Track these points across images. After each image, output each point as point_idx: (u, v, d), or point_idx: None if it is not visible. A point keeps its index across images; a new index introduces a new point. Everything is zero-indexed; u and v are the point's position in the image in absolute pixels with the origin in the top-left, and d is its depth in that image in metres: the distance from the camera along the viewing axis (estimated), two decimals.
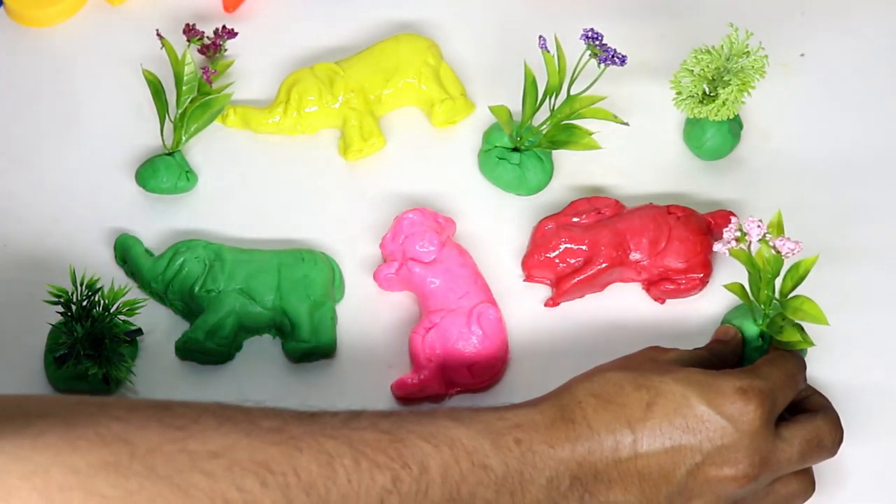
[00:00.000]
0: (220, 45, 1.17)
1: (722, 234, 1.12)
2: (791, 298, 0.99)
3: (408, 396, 1.07)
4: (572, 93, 1.12)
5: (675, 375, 0.94)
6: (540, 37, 1.10)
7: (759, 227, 0.97)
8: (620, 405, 0.92)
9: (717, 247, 0.99)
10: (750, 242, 0.98)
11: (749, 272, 1.00)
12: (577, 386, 0.95)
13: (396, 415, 0.91)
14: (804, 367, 0.99)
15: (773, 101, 1.21)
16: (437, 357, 1.06)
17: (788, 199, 1.16)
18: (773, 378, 0.95)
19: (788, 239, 0.97)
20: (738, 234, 0.98)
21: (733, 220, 0.99)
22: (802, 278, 0.99)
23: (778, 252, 0.97)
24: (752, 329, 1.03)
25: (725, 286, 1.01)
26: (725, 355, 1.02)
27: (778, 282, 1.00)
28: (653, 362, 0.97)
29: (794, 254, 0.97)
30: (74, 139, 1.19)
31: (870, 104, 1.22)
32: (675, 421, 0.92)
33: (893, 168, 1.19)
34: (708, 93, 1.14)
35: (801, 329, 1.00)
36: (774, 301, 1.00)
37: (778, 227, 0.99)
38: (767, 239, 0.97)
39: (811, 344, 0.99)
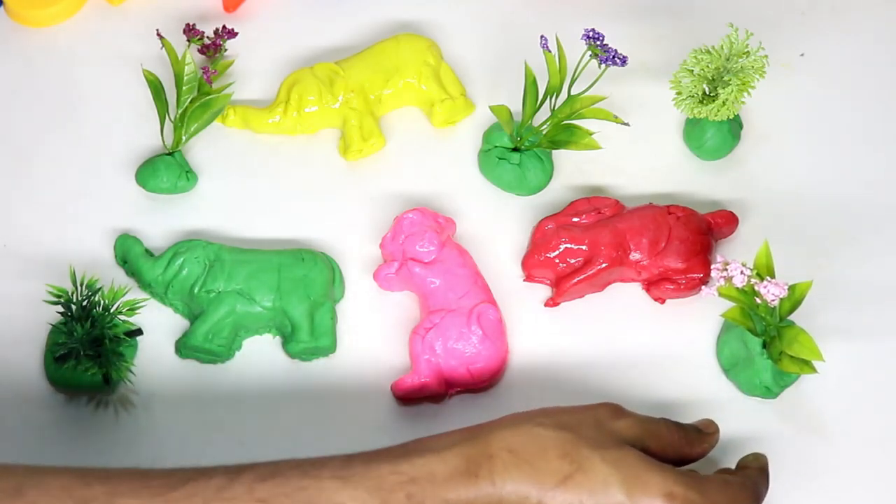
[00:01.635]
0: (220, 45, 1.17)
1: (723, 234, 1.13)
2: (787, 328, 0.99)
3: (408, 396, 1.07)
4: (572, 93, 1.12)
5: (606, 454, 0.87)
6: (542, 36, 1.10)
7: (742, 272, 0.96)
8: (536, 469, 0.86)
9: (705, 291, 0.99)
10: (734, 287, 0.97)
11: (733, 314, 1.01)
12: (496, 434, 0.88)
13: (280, 476, 0.86)
14: (759, 502, 0.93)
15: (773, 101, 1.21)
16: (437, 357, 1.06)
17: (788, 198, 1.16)
18: (713, 499, 0.87)
19: (774, 283, 0.96)
20: (726, 273, 0.97)
21: (719, 259, 0.99)
22: (799, 303, 0.99)
23: (763, 299, 0.96)
24: (755, 341, 1.04)
25: (724, 315, 1.00)
26: (688, 440, 0.95)
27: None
28: (596, 427, 0.90)
29: (778, 299, 0.96)
30: (74, 139, 1.19)
31: (870, 104, 1.22)
32: (585, 502, 0.86)
33: (893, 168, 1.19)
34: (708, 93, 1.14)
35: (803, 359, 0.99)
36: (772, 327, 1.00)
37: (766, 267, 0.99)
38: (753, 284, 0.97)
39: (813, 371, 0.98)
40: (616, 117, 1.12)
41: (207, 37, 1.16)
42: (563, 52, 1.11)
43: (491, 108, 1.14)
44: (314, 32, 1.25)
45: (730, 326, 1.08)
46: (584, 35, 1.09)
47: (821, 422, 1.07)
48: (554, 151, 1.17)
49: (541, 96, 1.13)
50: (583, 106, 1.11)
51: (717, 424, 0.98)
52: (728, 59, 1.12)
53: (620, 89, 1.16)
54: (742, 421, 1.07)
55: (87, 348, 1.02)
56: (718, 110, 1.13)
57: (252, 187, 1.17)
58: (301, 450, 1.04)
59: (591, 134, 1.12)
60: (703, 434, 0.97)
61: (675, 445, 0.93)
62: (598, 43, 1.09)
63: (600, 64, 1.09)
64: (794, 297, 0.98)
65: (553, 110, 1.13)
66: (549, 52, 1.11)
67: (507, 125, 1.14)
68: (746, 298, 0.98)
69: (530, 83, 1.13)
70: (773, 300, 0.96)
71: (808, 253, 1.13)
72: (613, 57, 1.09)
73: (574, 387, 1.08)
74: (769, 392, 1.06)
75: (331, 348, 1.09)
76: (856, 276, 1.12)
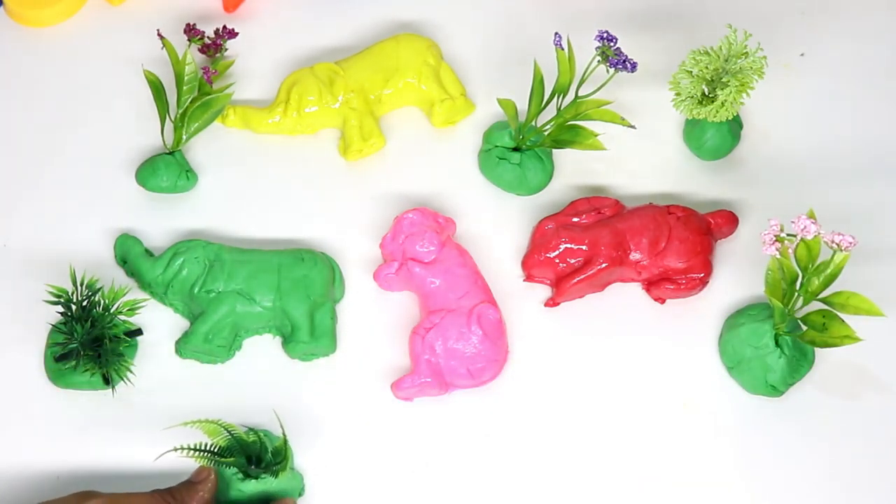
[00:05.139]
0: (220, 45, 1.17)
1: (723, 234, 1.13)
2: (834, 294, 1.00)
3: (407, 396, 1.07)
4: (579, 95, 1.12)
5: None
6: (556, 34, 1.10)
7: (814, 224, 0.99)
8: None
9: (767, 250, 1.00)
10: (798, 241, 0.99)
11: (773, 279, 1.01)
12: None
13: None
14: None
15: (773, 101, 1.21)
16: (436, 357, 1.06)
17: (788, 198, 1.16)
18: None
19: (843, 234, 0.99)
20: (783, 234, 0.99)
21: (772, 222, 1.00)
22: (836, 275, 1.00)
23: (838, 246, 0.99)
24: (764, 339, 1.05)
25: (768, 274, 1.01)
26: (186, 499, 1.00)
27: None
28: None
29: (852, 247, 0.99)
30: (75, 139, 1.19)
31: (870, 104, 1.23)
32: None
33: (893, 167, 1.19)
34: (707, 94, 1.14)
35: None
36: (801, 302, 1.01)
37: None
38: (823, 235, 0.99)
39: (856, 339, 1.00)
40: (623, 119, 1.12)
41: (208, 37, 1.16)
42: (573, 54, 1.11)
43: (499, 100, 1.13)
44: (314, 32, 1.25)
45: (732, 326, 1.09)
46: (597, 36, 1.09)
47: (827, 419, 1.07)
48: (554, 151, 1.17)
49: (546, 96, 1.13)
50: (589, 108, 1.11)
51: (208, 470, 1.00)
52: (727, 61, 1.11)
53: (620, 89, 1.16)
54: (747, 419, 1.07)
55: (87, 348, 1.02)
56: (717, 111, 1.13)
57: (252, 187, 1.17)
58: (301, 450, 1.04)
59: (595, 135, 1.12)
60: (194, 484, 1.00)
61: None
62: (612, 45, 1.09)
63: (609, 68, 1.09)
64: (835, 270, 1.00)
65: (559, 110, 1.13)
66: (562, 49, 1.10)
67: (513, 120, 1.14)
68: (789, 273, 0.99)
69: (538, 82, 1.12)
70: (847, 247, 0.98)
71: None
72: (624, 62, 1.08)
73: (574, 387, 1.09)
74: (775, 391, 1.07)
75: (331, 348, 1.09)
76: (854, 276, 1.12)
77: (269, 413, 1.05)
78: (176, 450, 0.96)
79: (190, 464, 1.01)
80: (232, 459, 0.98)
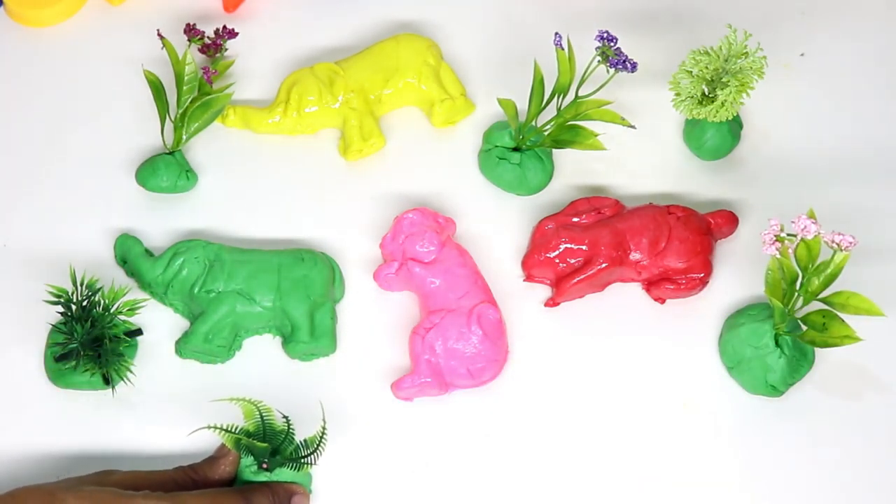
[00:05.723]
0: (220, 45, 1.17)
1: (723, 234, 1.13)
2: (834, 294, 1.00)
3: (407, 396, 1.07)
4: (579, 95, 1.12)
5: (80, 492, 0.95)
6: (556, 34, 1.10)
7: (814, 223, 0.99)
8: None
9: (767, 250, 1.00)
10: (798, 241, 0.99)
11: (773, 279, 1.01)
12: None
13: None
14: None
15: (773, 101, 1.21)
16: (436, 357, 1.06)
17: (788, 198, 1.16)
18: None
19: (843, 234, 0.99)
20: (783, 234, 0.99)
21: (773, 222, 1.00)
22: (836, 275, 1.00)
23: (838, 246, 0.99)
24: (764, 339, 1.05)
25: (768, 274, 1.01)
26: (205, 478, 1.00)
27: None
28: (90, 484, 0.97)
29: (852, 247, 0.99)
30: (75, 139, 1.19)
31: (869, 104, 1.23)
32: None
33: (892, 167, 1.19)
34: (707, 94, 1.14)
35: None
36: (801, 302, 1.01)
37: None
38: (823, 235, 0.99)
39: (856, 339, 1.00)
40: (623, 119, 1.12)
41: (208, 37, 1.16)
42: (573, 53, 1.11)
43: (499, 100, 1.14)
44: (314, 32, 1.25)
45: (732, 326, 1.09)
46: (597, 36, 1.09)
47: (827, 419, 1.07)
48: (554, 151, 1.17)
49: (546, 96, 1.13)
50: (589, 108, 1.11)
51: (227, 449, 1.01)
52: (727, 61, 1.11)
53: (621, 89, 1.16)
54: (747, 419, 1.07)
55: (87, 348, 1.02)
56: (717, 111, 1.13)
57: (252, 187, 1.17)
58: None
59: (596, 135, 1.12)
60: (216, 460, 1.01)
61: (184, 486, 0.99)
62: (612, 45, 1.09)
63: (609, 68, 1.09)
64: (835, 270, 1.00)
65: (559, 110, 1.13)
66: (562, 49, 1.10)
67: (513, 120, 1.14)
68: (789, 273, 1.00)
69: (538, 82, 1.12)
70: (847, 247, 0.98)
71: None
72: (624, 62, 1.08)
73: (574, 387, 1.09)
74: (775, 391, 1.07)
75: (331, 348, 1.09)
76: (854, 276, 1.12)
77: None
78: (209, 427, 0.96)
79: (192, 458, 1.01)
80: (264, 446, 0.98)
